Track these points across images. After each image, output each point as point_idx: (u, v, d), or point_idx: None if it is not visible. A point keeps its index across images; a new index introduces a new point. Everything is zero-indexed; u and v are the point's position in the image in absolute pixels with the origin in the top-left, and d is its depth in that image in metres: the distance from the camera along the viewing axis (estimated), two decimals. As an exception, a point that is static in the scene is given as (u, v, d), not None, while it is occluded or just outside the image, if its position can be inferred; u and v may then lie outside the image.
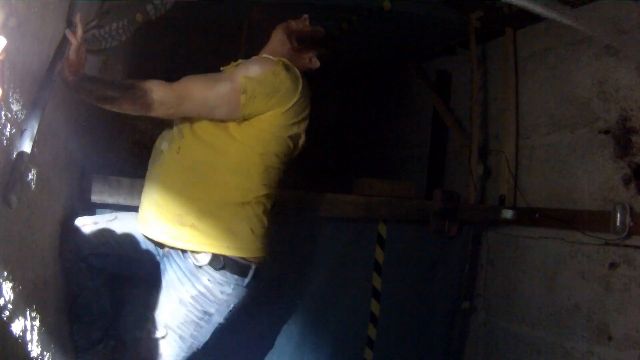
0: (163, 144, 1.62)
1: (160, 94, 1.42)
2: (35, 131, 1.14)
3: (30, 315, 1.24)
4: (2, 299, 1.06)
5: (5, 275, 1.08)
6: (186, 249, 1.54)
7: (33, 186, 1.28)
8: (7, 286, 1.08)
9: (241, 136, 1.53)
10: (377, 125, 4.62)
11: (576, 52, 2.61)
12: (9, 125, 1.06)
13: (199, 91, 1.47)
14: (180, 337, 1.57)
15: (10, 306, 1.09)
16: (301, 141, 1.69)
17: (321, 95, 5.74)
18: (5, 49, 0.87)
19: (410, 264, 2.70)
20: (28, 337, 1.23)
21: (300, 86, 1.56)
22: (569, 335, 2.46)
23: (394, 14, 2.76)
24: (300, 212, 2.21)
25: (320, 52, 1.73)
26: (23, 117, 1.14)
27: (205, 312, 1.57)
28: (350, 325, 2.55)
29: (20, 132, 1.12)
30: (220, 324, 1.63)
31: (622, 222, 2.21)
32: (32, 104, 1.17)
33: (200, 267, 1.53)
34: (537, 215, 2.63)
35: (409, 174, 4.01)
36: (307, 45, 1.69)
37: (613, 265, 2.30)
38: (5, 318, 1.07)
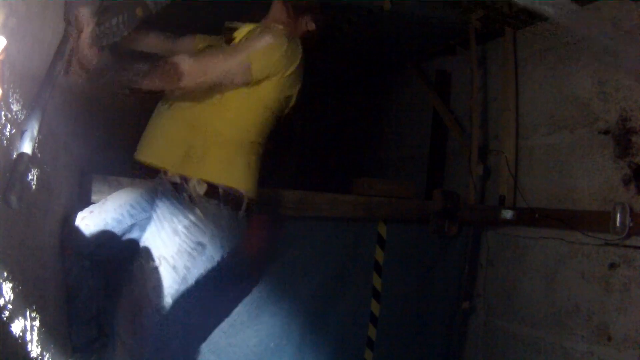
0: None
1: (189, 66, 1.53)
2: (35, 132, 1.14)
3: (30, 315, 1.24)
4: (2, 299, 1.06)
5: (5, 275, 1.07)
6: (186, 174, 1.62)
7: (33, 186, 1.28)
8: (7, 286, 1.08)
9: (243, 95, 1.67)
10: (377, 125, 4.62)
11: (576, 52, 2.61)
12: (9, 125, 1.06)
13: (221, 61, 1.60)
14: (174, 267, 1.61)
15: (10, 306, 1.09)
16: (292, 101, 1.83)
17: (321, 95, 5.78)
18: (6, 49, 0.87)
19: (410, 264, 2.71)
20: (28, 337, 1.23)
21: (300, 53, 1.71)
22: (569, 335, 2.46)
23: (394, 15, 2.77)
24: (300, 212, 2.21)
25: (316, 16, 1.86)
26: (23, 117, 1.14)
27: (199, 243, 1.62)
28: (350, 325, 2.55)
29: (21, 133, 1.12)
30: (213, 258, 1.67)
31: (622, 222, 2.21)
32: (32, 105, 1.17)
33: (194, 199, 1.60)
34: (536, 215, 2.63)
35: (409, 174, 4.01)
36: (303, 11, 1.84)
37: (613, 266, 2.30)
38: (5, 318, 1.07)
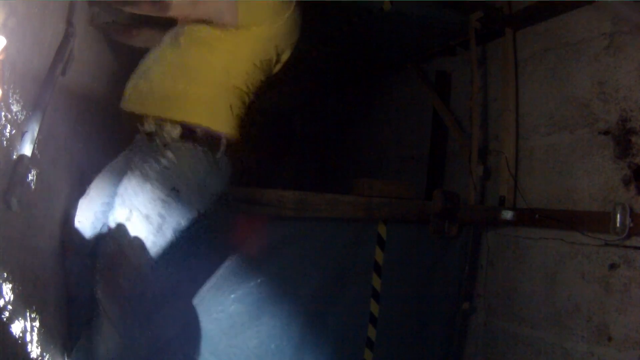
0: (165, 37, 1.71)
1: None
2: (35, 134, 1.14)
3: (30, 316, 1.24)
4: (2, 299, 1.05)
5: (5, 275, 1.07)
6: (162, 115, 1.57)
7: (33, 187, 1.28)
8: (7, 287, 1.08)
9: (230, 39, 1.64)
10: (377, 125, 4.62)
11: (576, 52, 2.61)
12: (9, 125, 1.06)
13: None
14: (147, 216, 1.51)
15: (10, 307, 1.09)
16: (284, 56, 1.80)
17: (322, 95, 5.77)
18: (5, 49, 0.87)
19: (410, 264, 2.70)
20: (28, 338, 1.23)
21: (293, 6, 1.70)
22: (569, 335, 2.46)
23: (394, 15, 2.76)
24: (300, 213, 2.21)
25: None
26: (23, 117, 1.14)
27: (173, 189, 1.54)
28: (350, 325, 2.55)
29: (21, 135, 1.12)
30: (192, 205, 1.58)
31: (622, 222, 2.21)
32: (33, 106, 1.17)
33: (167, 144, 1.55)
34: (537, 215, 2.62)
35: (409, 174, 4.01)
36: None
37: (613, 266, 2.30)
38: (5, 319, 1.07)
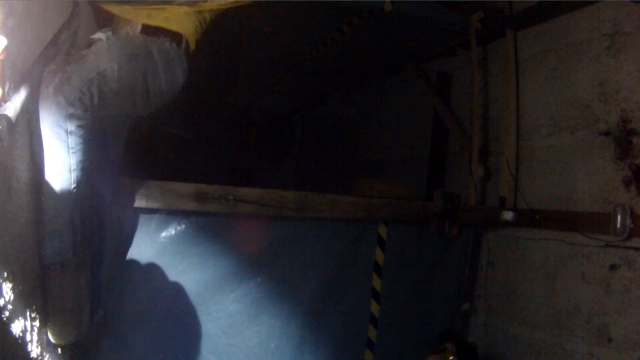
0: None
1: None
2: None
3: (30, 315, 1.24)
4: (2, 299, 1.06)
5: (5, 275, 1.07)
6: (131, 17, 1.57)
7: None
8: (7, 286, 1.08)
9: None
10: (377, 126, 4.62)
11: (577, 53, 2.61)
12: (9, 125, 1.06)
13: None
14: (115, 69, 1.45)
15: (10, 306, 1.09)
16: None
17: (322, 96, 5.76)
18: (6, 49, 0.87)
19: (410, 265, 2.70)
20: (28, 338, 1.23)
21: None
22: (569, 336, 2.45)
23: (395, 15, 2.76)
24: (301, 213, 2.21)
25: None
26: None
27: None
28: (350, 326, 2.55)
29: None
30: (159, 87, 1.57)
31: (623, 223, 2.21)
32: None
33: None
34: (537, 216, 2.62)
35: (410, 175, 4.01)
36: None
37: (613, 267, 2.30)
38: (5, 318, 1.07)
